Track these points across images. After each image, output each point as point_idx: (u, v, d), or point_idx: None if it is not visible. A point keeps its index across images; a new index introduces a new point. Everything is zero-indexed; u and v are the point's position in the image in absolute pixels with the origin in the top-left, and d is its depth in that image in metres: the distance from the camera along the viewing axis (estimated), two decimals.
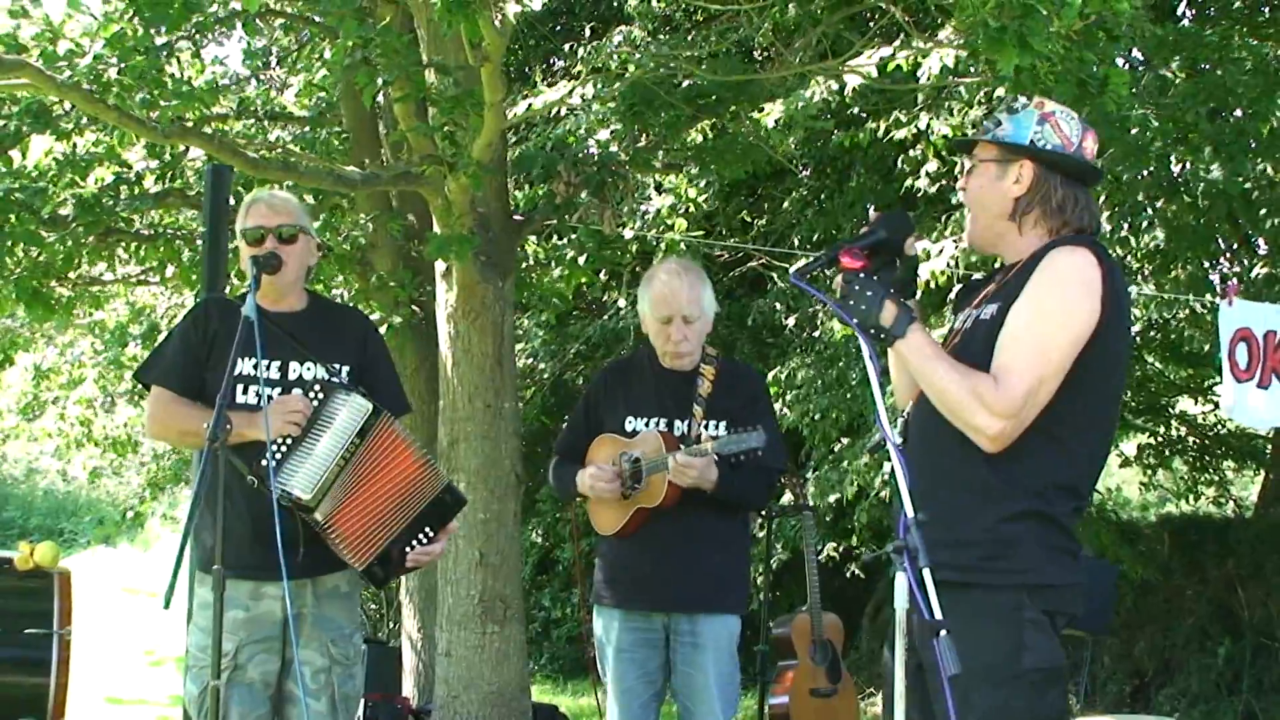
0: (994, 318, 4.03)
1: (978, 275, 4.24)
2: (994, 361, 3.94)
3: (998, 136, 4.17)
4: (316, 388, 5.34)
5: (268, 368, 5.30)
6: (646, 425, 5.96)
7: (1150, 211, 9.68)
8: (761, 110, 9.62)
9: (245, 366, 5.24)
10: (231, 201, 7.55)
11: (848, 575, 12.98)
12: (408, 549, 5.40)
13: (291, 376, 5.38)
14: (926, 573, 3.54)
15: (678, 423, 5.92)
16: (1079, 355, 3.95)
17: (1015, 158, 4.14)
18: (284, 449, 5.19)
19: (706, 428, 5.87)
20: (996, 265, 4.34)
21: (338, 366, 5.42)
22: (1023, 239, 4.16)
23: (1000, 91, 9.95)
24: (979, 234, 4.26)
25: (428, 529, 5.43)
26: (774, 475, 6.05)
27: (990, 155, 4.18)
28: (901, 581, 3.63)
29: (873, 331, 3.92)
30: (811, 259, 4.04)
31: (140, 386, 5.82)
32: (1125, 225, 9.79)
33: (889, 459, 3.90)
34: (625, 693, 5.98)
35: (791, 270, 4.09)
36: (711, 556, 5.88)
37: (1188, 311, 10.27)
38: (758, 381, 6.26)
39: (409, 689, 10.89)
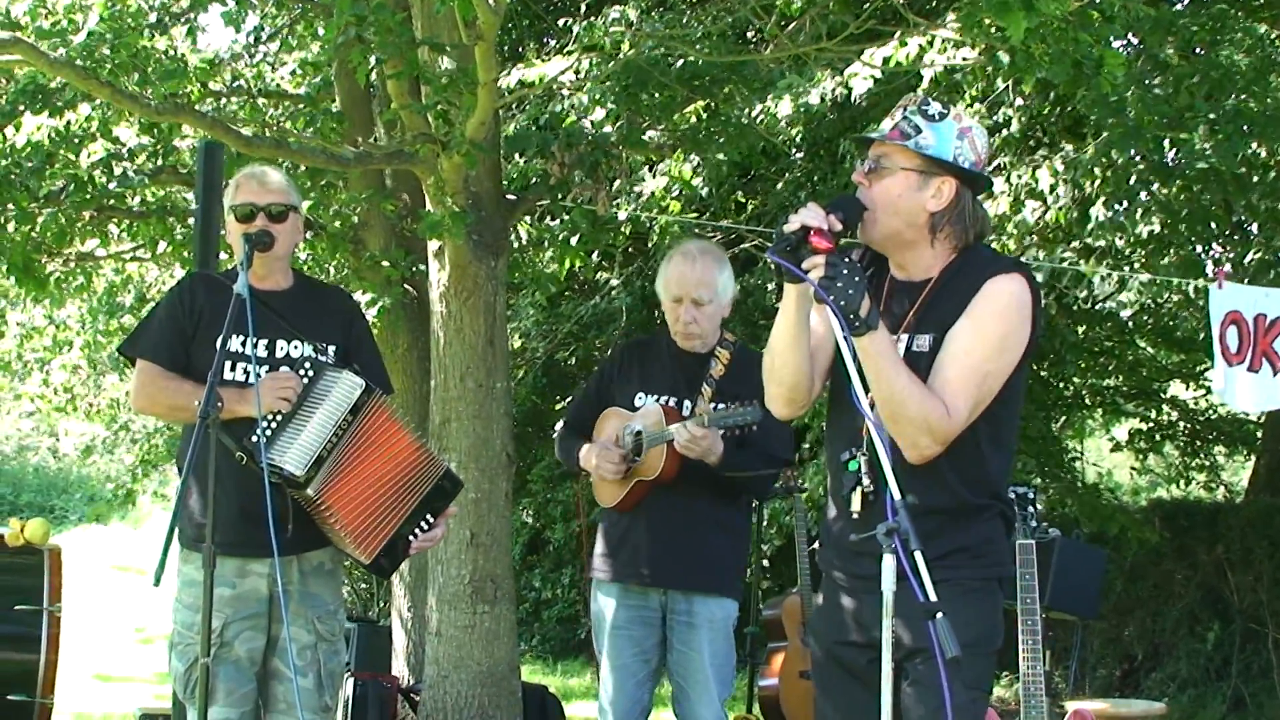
0: (931, 349, 4.11)
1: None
2: (934, 379, 4.05)
3: (920, 147, 4.16)
4: (307, 364, 5.35)
5: (255, 345, 5.29)
6: (657, 401, 5.99)
7: (1146, 196, 9.66)
8: (760, 95, 9.59)
9: (234, 343, 5.24)
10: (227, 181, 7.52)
11: None
12: (411, 538, 5.42)
13: (279, 354, 5.39)
14: (919, 555, 3.60)
15: (686, 402, 5.95)
16: (1014, 371, 4.13)
17: (938, 173, 4.17)
18: (274, 425, 5.19)
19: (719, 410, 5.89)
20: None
21: (325, 345, 5.43)
22: (933, 251, 4.22)
23: (999, 83, 9.97)
24: (881, 236, 4.24)
25: (428, 516, 5.46)
26: (779, 464, 6.07)
27: (912, 164, 4.17)
28: (889, 563, 3.69)
29: (851, 318, 3.90)
30: (779, 238, 4.03)
31: (123, 359, 5.79)
32: (1119, 208, 9.76)
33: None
34: (620, 669, 6.00)
35: (769, 250, 4.09)
36: (710, 539, 5.91)
37: (1180, 295, 10.28)
38: None
39: (399, 668, 10.90)
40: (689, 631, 5.90)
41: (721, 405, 5.86)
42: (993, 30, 7.62)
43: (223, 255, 7.83)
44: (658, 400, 6.02)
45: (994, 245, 8.53)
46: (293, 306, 5.44)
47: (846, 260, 3.93)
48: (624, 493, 5.99)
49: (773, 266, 4.10)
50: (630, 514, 6.00)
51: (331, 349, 5.46)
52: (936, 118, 4.19)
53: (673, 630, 5.95)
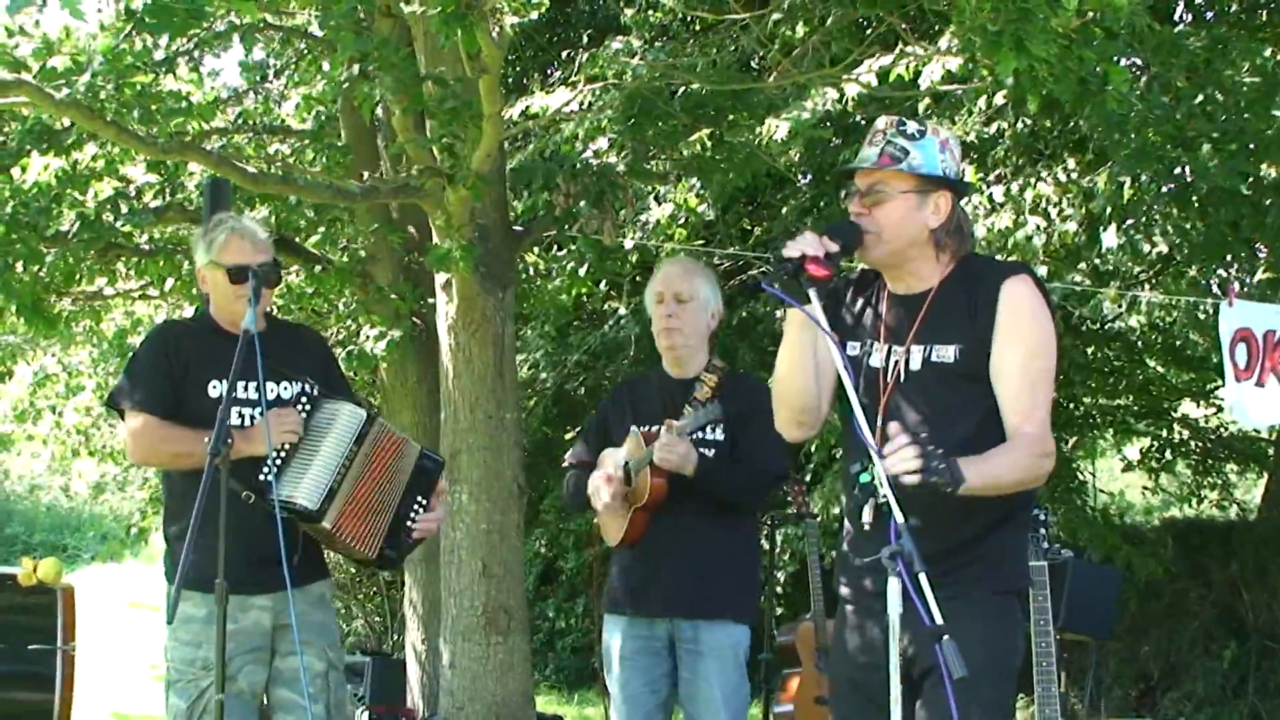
0: (959, 360, 4.15)
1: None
2: (1011, 406, 4.10)
3: (913, 167, 4.20)
4: (302, 399, 5.39)
5: (246, 388, 5.34)
6: (649, 431, 5.99)
7: (1159, 219, 9.66)
8: (762, 122, 9.61)
9: (223, 388, 5.26)
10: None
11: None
12: (409, 524, 5.51)
13: (269, 397, 5.41)
14: (923, 578, 3.61)
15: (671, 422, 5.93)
16: None
17: (933, 189, 4.22)
18: (279, 461, 5.22)
19: (706, 431, 5.91)
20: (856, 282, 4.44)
21: (311, 384, 5.48)
22: (933, 264, 4.27)
23: (999, 97, 9.98)
24: (884, 258, 4.27)
25: (420, 498, 5.54)
26: (769, 477, 6.03)
27: (909, 186, 4.21)
28: (895, 587, 3.70)
29: (949, 490, 3.86)
30: (775, 266, 4.04)
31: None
32: (1132, 234, 9.74)
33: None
34: (628, 701, 5.98)
35: (764, 280, 4.11)
36: (715, 563, 5.87)
37: (1188, 316, 10.28)
38: (761, 392, 6.21)
39: (414, 701, 10.89)
40: (696, 660, 5.87)
41: (721, 437, 5.89)
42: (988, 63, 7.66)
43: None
44: (649, 429, 6.01)
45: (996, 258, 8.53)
46: (274, 348, 5.44)
47: (930, 445, 3.86)
48: (625, 526, 5.98)
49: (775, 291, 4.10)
50: (636, 548, 6.00)
51: (316, 386, 5.52)
52: (918, 136, 4.23)
53: (680, 659, 5.93)
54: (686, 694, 5.91)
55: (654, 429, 5.94)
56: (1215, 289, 10.36)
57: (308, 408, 5.40)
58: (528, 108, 9.35)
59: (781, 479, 6.36)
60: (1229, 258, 11.00)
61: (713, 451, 5.89)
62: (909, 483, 3.79)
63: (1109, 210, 9.50)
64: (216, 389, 5.36)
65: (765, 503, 6.84)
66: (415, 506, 5.53)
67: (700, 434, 5.89)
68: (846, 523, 4.41)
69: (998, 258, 8.94)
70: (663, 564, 5.89)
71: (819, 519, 9.69)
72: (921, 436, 3.84)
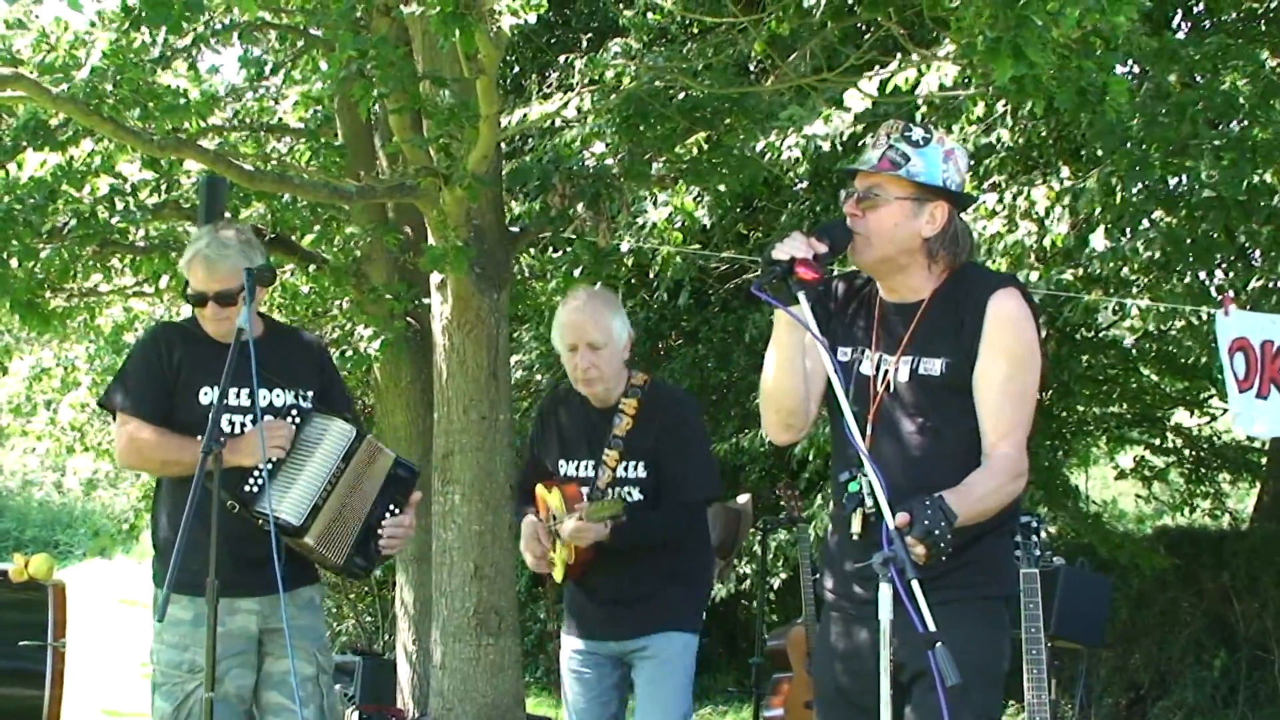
0: (944, 374, 4.15)
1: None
2: (990, 422, 4.10)
3: (912, 174, 4.17)
4: (293, 412, 5.37)
5: (238, 395, 5.32)
6: (576, 469, 5.93)
7: (1148, 223, 9.66)
8: (764, 129, 9.59)
9: (214, 395, 5.22)
10: (227, 215, 7.55)
11: None
12: (380, 531, 5.48)
13: (261, 404, 5.37)
14: (916, 585, 3.60)
15: (599, 468, 5.86)
16: None
17: (931, 198, 4.19)
18: (265, 474, 5.19)
19: (629, 469, 5.82)
20: (849, 287, 4.44)
21: (304, 390, 5.47)
22: (925, 273, 4.24)
23: (999, 105, 9.98)
24: (873, 262, 4.25)
25: (391, 507, 5.52)
26: (695, 508, 5.93)
27: (905, 193, 4.19)
28: (886, 592, 3.69)
29: (944, 546, 3.82)
30: (765, 270, 4.01)
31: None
32: (1122, 239, 9.76)
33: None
34: (580, 713, 5.96)
35: (754, 284, 4.08)
36: (659, 591, 5.81)
37: (1184, 323, 10.27)
38: (681, 409, 6.06)
39: (404, 701, 10.88)
40: (643, 665, 5.82)
41: (644, 474, 5.77)
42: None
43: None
44: (576, 466, 5.94)
45: (987, 265, 8.54)
46: (270, 354, 5.37)
47: (929, 503, 3.84)
48: (563, 570, 5.95)
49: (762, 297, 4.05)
50: (579, 583, 5.96)
51: (310, 393, 5.51)
52: (922, 143, 4.20)
53: (632, 665, 5.90)
54: (638, 699, 5.88)
55: (583, 466, 5.89)
56: (1214, 293, 10.35)
57: (298, 420, 5.39)
58: (525, 116, 9.34)
59: (713, 500, 6.26)
60: (1223, 265, 11.00)
61: (636, 490, 5.77)
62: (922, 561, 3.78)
63: (1097, 212, 9.51)
64: (208, 396, 5.34)
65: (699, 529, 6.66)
66: (386, 514, 5.51)
67: (614, 474, 5.82)
68: (831, 527, 4.40)
69: (989, 265, 8.96)
70: (606, 596, 5.87)
71: (811, 524, 9.68)
72: (919, 510, 3.80)
